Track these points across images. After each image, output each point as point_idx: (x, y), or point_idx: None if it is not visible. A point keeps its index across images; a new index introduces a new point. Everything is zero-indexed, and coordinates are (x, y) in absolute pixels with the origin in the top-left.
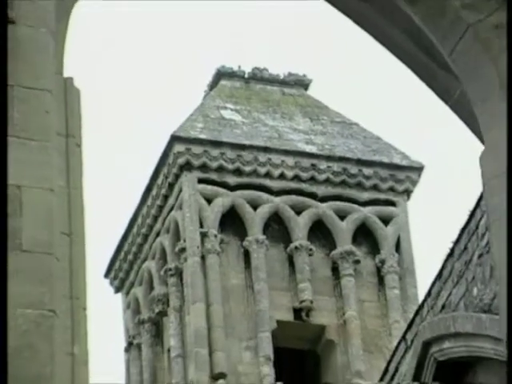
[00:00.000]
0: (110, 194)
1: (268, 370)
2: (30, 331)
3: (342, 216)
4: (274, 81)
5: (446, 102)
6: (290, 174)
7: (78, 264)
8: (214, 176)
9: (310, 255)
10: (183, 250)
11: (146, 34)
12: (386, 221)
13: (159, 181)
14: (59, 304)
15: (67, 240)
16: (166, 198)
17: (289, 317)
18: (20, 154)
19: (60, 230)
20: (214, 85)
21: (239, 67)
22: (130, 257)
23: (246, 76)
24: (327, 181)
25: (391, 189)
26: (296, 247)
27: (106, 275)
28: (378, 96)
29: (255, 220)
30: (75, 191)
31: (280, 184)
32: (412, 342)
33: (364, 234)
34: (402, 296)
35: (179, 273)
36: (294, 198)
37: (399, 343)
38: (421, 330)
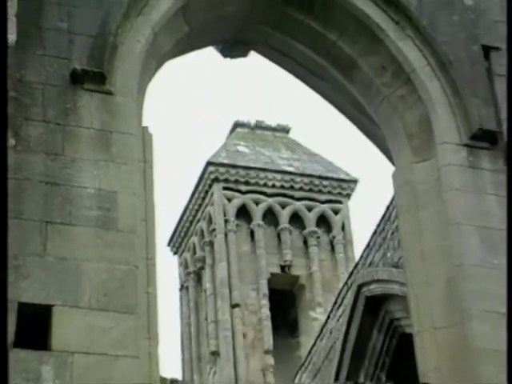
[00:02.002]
0: (170, 196)
1: (265, 302)
2: (123, 278)
3: (310, 209)
4: (268, 128)
5: (373, 141)
6: (278, 184)
7: (150, 238)
8: (232, 185)
9: (290, 233)
10: (214, 230)
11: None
12: (336, 212)
13: (200, 188)
14: (140, 262)
15: (144, 224)
16: (203, 198)
17: (277, 270)
18: (116, 173)
19: (140, 218)
20: (232, 131)
21: (247, 120)
22: (182, 234)
23: (251, 126)
24: (301, 188)
25: (339, 193)
26: (282, 228)
27: (168, 244)
28: (333, 136)
29: (257, 212)
30: (149, 195)
31: (272, 190)
32: (351, 285)
33: (322, 221)
34: (345, 257)
35: (211, 244)
36: (280, 198)
37: (343, 286)
38: (356, 278)
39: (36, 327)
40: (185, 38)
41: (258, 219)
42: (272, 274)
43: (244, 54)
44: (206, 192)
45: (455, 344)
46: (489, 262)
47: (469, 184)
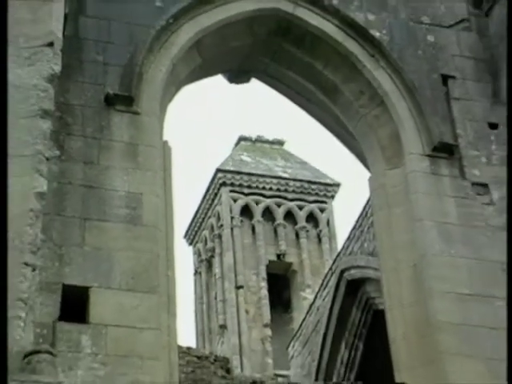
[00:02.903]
0: (185, 197)
1: (264, 284)
2: (147, 264)
3: (300, 208)
4: (266, 142)
5: (352, 151)
6: (274, 187)
7: (169, 231)
8: (237, 189)
9: (284, 228)
10: (222, 225)
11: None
12: (322, 210)
13: (210, 191)
14: (161, 251)
15: (164, 220)
16: (213, 199)
17: (274, 258)
18: (142, 178)
19: (161, 215)
20: (237, 144)
21: (249, 135)
22: (196, 228)
23: (253, 140)
24: (293, 191)
25: (324, 195)
26: (278, 224)
27: (184, 237)
28: (320, 147)
29: (257, 211)
30: (168, 196)
31: (269, 192)
32: (335, 270)
33: (311, 218)
34: (330, 248)
35: (220, 236)
36: (276, 199)
37: (328, 271)
38: (339, 264)
39: (76, 304)
40: (198, 67)
41: (258, 216)
42: (269, 261)
43: (246, 81)
44: (216, 194)
45: (419, 318)
46: (447, 251)
47: (430, 188)
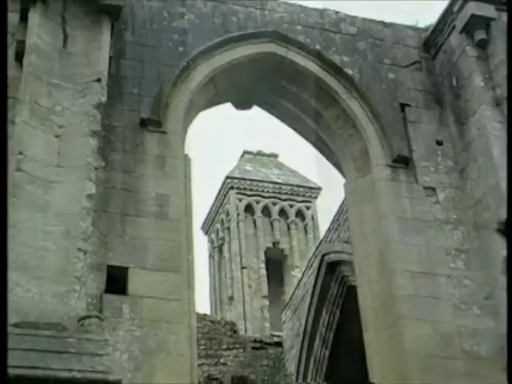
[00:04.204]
0: (201, 198)
1: (263, 266)
2: (172, 250)
3: (291, 206)
4: (264, 155)
5: (332, 162)
6: (270, 190)
7: (189, 224)
8: (241, 191)
9: (279, 222)
10: (230, 219)
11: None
12: (307, 208)
13: (221, 193)
14: (183, 240)
15: (185, 215)
16: (223, 199)
17: (270, 245)
18: (169, 184)
19: (183, 212)
20: (242, 156)
21: (251, 150)
22: (210, 221)
23: (254, 153)
24: (285, 193)
25: (309, 196)
26: (273, 219)
27: (201, 228)
28: (306, 159)
29: (257, 208)
30: (188, 197)
31: (267, 194)
32: (317, 254)
33: (299, 214)
34: (314, 237)
35: (228, 228)
36: (272, 199)
37: (312, 255)
38: (321, 250)
39: (118, 280)
40: (213, 97)
41: (258, 213)
42: (267, 248)
43: (250, 107)
44: (225, 195)
45: (383, 291)
46: (404, 240)
47: (391, 191)
